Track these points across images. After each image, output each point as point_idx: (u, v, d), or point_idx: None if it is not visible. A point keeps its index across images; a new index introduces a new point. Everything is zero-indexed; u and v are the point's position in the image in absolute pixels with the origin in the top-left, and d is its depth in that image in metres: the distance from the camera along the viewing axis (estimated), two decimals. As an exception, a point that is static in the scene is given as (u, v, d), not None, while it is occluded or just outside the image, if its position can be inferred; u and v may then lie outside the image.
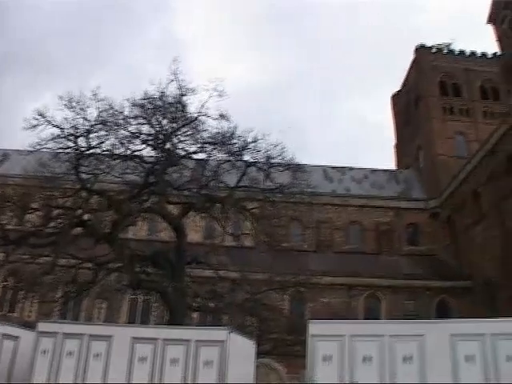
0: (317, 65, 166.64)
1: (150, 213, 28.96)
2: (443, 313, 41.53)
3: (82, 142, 25.31)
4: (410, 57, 67.27)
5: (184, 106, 26.59)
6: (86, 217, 26.40)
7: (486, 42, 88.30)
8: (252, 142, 26.77)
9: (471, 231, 44.38)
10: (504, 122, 40.98)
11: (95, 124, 25.09)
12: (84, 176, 25.59)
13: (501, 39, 40.32)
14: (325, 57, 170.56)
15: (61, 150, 25.27)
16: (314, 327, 15.97)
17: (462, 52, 65.47)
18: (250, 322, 30.03)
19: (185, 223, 28.20)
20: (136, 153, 26.25)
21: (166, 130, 26.29)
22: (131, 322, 39.24)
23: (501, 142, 40.40)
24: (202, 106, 26.06)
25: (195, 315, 33.56)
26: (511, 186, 38.71)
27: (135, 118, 25.89)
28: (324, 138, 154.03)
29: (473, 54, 65.47)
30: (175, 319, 23.56)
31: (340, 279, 41.98)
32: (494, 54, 59.85)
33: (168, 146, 26.45)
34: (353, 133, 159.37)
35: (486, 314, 36.81)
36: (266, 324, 29.94)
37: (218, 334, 15.51)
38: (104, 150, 25.92)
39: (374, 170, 60.34)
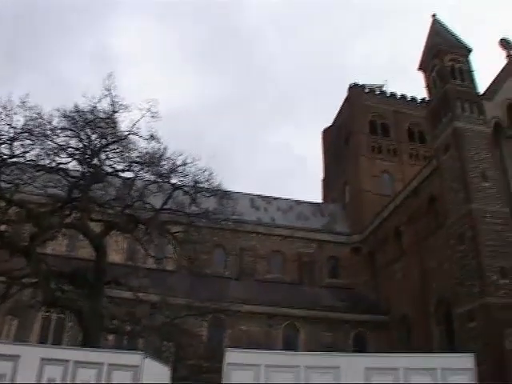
0: (250, 94, 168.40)
1: (71, 228, 27.93)
2: (360, 346, 42.15)
3: (4, 149, 24.28)
4: (343, 94, 69.18)
5: (115, 123, 26.08)
6: (2, 227, 25.32)
7: (418, 86, 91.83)
8: (181, 165, 26.64)
9: (391, 268, 45.51)
10: (428, 165, 42.50)
11: (21, 132, 24.07)
12: (3, 185, 24.49)
13: (429, 87, 41.91)
14: (259, 87, 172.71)
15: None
16: (231, 355, 15.73)
17: (393, 94, 67.98)
18: (166, 348, 29.43)
19: (106, 242, 27.48)
20: (61, 166, 25.39)
21: (95, 145, 25.62)
22: (43, 341, 37.53)
23: (424, 184, 41.84)
24: (134, 124, 25.72)
25: (111, 337, 32.54)
26: (431, 226, 40.07)
27: (63, 129, 25.05)
28: (253, 167, 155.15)
29: (403, 97, 68.10)
30: (89, 341, 22.67)
31: (260, 308, 41.79)
32: (423, 99, 62.41)
33: (95, 161, 25.76)
34: (281, 164, 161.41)
35: (401, 349, 37.86)
36: (184, 350, 29.45)
37: (132, 358, 14.99)
38: (28, 160, 24.88)
39: (299, 202, 61.05)
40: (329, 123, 75.55)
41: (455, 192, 35.98)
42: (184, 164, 26.56)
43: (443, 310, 36.89)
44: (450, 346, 34.68)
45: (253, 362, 15.54)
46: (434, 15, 43.95)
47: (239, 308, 37.91)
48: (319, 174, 75.67)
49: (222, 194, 27.85)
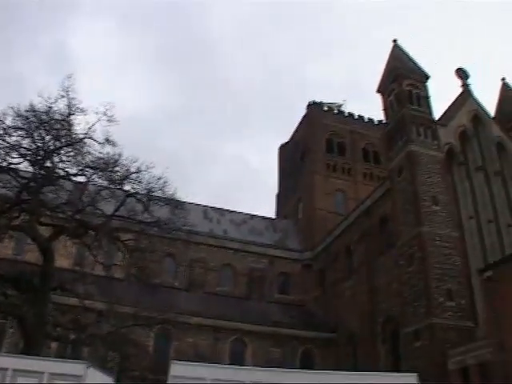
0: (208, 104, 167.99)
1: (18, 231, 27.10)
2: (307, 362, 42.17)
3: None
4: (302, 111, 69.80)
5: (70, 125, 25.42)
6: None
7: (376, 108, 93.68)
8: (135, 172, 26.12)
9: (341, 285, 45.85)
10: (381, 186, 43.12)
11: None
12: None
13: (387, 109, 42.64)
14: (217, 98, 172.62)
15: None
16: (176, 368, 15.46)
17: (350, 114, 69.08)
18: (111, 358, 28.75)
19: (54, 247, 26.74)
20: (12, 166, 24.67)
21: (48, 146, 24.88)
22: (-20, 348, 36.28)
23: (376, 204, 42.44)
24: (90, 128, 25.15)
25: (54, 345, 31.64)
26: (381, 246, 40.61)
27: (16, 129, 24.33)
28: (207, 178, 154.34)
29: (360, 117, 69.24)
30: (31, 348, 21.94)
31: (208, 320, 41.31)
32: (380, 121, 63.33)
33: (47, 163, 25.06)
34: (236, 176, 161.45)
35: (348, 367, 38.11)
36: (129, 360, 28.80)
37: (75, 367, 14.58)
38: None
39: (253, 216, 61.07)
40: (286, 139, 76.08)
41: (406, 214, 36.58)
42: (138, 171, 26.09)
43: (390, 329, 37.40)
44: (396, 364, 35.16)
45: (198, 375, 15.32)
46: (395, 40, 44.85)
47: (187, 320, 37.50)
48: (274, 188, 75.95)
49: (176, 204, 27.47)
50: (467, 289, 33.80)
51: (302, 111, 69.95)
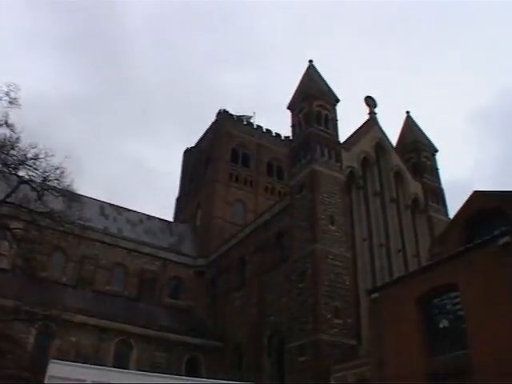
0: (112, 99, 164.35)
1: None
2: (193, 369, 41.75)
3: None
4: (211, 118, 69.85)
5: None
6: None
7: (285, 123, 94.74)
8: (33, 158, 25.04)
9: (231, 295, 45.92)
10: (281, 201, 43.74)
11: None
12: None
13: (294, 126, 43.37)
14: (122, 94, 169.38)
15: None
16: (55, 368, 14.83)
17: (259, 127, 69.79)
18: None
19: None
20: None
21: None
22: None
23: (275, 218, 42.94)
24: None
25: None
26: (275, 260, 41.14)
27: None
28: (105, 173, 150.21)
29: (268, 131, 70.23)
30: None
31: (93, 320, 39.58)
32: (287, 137, 64.45)
33: None
34: (136, 175, 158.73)
35: (233, 377, 38.08)
36: (4, 357, 27.26)
37: None
38: None
39: (150, 217, 60.04)
40: (191, 144, 75.82)
41: (303, 231, 37.25)
42: (36, 157, 25.02)
43: (276, 343, 37.80)
44: (280, 377, 35.58)
45: (77, 376, 14.79)
46: (310, 61, 45.74)
47: (72, 318, 35.92)
48: (175, 192, 75.14)
49: (72, 196, 26.56)
50: (354, 308, 34.91)
51: (210, 119, 70.04)
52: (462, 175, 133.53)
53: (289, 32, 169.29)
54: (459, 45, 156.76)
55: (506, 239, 20.57)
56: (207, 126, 71.31)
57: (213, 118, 69.77)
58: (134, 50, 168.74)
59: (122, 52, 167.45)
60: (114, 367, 33.65)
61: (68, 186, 26.13)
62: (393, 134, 49.23)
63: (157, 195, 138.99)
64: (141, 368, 37.46)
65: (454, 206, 47.00)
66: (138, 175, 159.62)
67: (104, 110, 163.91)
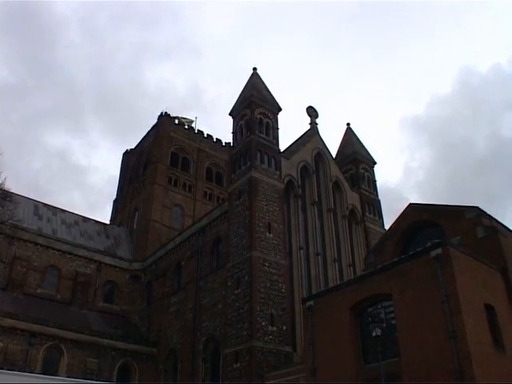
0: (35, 88, 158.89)
1: None
2: (125, 376, 41.23)
3: None
4: (151, 121, 69.05)
5: None
6: None
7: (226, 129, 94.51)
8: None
9: (166, 300, 45.53)
10: (220, 207, 43.74)
11: None
12: None
13: (236, 133, 43.46)
14: (48, 83, 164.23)
15: None
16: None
17: (200, 132, 69.79)
18: None
19: None
20: None
21: None
22: None
23: (212, 224, 42.95)
24: None
25: None
26: (212, 266, 41.16)
27: None
28: (25, 167, 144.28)
29: (209, 137, 70.33)
30: None
31: (23, 324, 38.36)
32: (228, 143, 64.56)
33: None
34: (61, 171, 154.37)
35: (166, 383, 37.76)
36: None
37: None
38: None
39: (86, 219, 58.77)
40: (124, 140, 74.84)
41: (240, 237, 37.43)
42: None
43: (211, 349, 37.78)
44: (215, 383, 35.48)
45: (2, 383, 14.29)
46: (255, 68, 46.10)
47: (0, 321, 34.74)
48: (113, 194, 73.91)
49: (3, 194, 25.78)
50: (290, 315, 35.34)
51: (151, 121, 69.26)
52: (393, 182, 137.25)
53: (229, 38, 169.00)
54: (396, 57, 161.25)
55: (438, 251, 21.34)
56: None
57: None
58: (63, 38, 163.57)
59: (50, 40, 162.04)
60: (42, 373, 32.77)
61: (0, 184, 25.40)
62: (333, 145, 50.09)
63: (84, 192, 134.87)
64: (71, 374, 36.61)
65: (385, 213, 48.56)
66: (64, 170, 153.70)
67: (28, 101, 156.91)
